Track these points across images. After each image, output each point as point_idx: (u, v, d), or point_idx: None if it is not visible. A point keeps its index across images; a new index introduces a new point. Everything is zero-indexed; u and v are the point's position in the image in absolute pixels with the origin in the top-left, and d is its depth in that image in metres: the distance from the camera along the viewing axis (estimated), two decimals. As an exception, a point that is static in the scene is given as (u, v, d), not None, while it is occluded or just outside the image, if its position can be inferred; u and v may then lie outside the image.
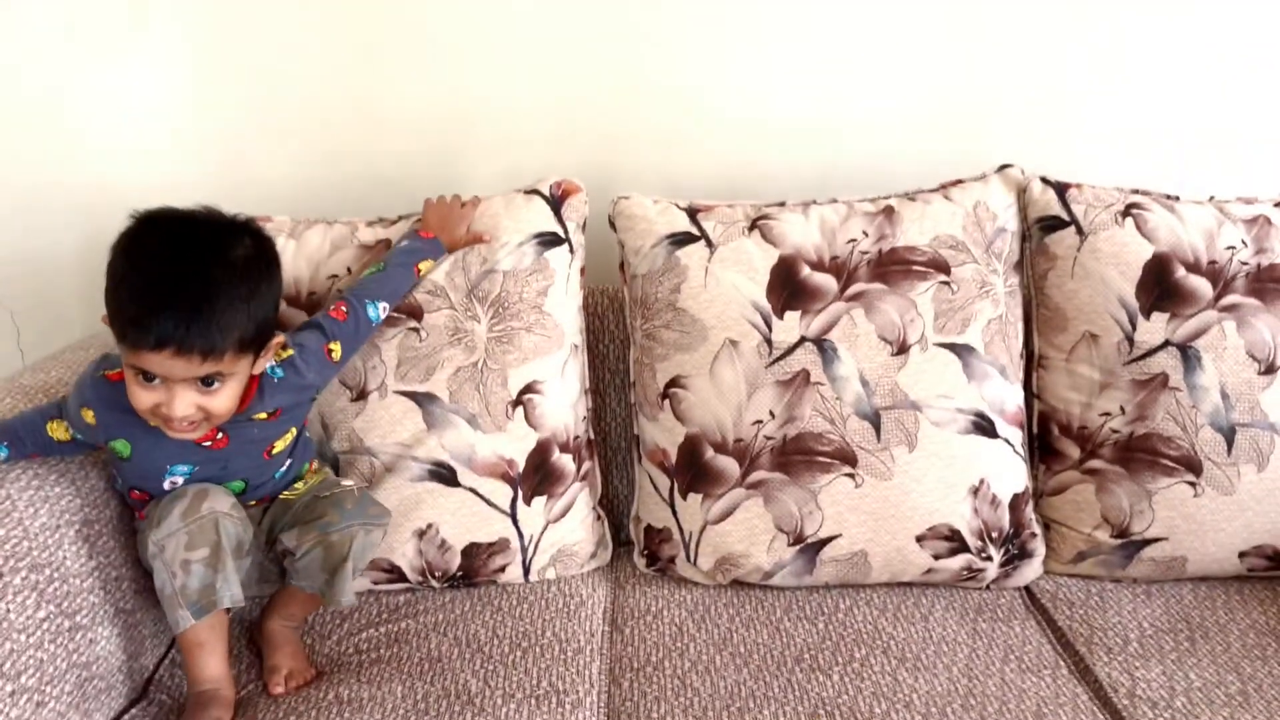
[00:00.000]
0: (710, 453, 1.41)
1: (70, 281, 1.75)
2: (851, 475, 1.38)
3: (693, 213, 1.47)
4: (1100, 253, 1.43)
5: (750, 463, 1.40)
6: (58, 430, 1.22)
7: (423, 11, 1.62)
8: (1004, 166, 1.50)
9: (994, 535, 1.40)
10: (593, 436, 1.54)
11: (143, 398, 1.13)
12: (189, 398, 1.12)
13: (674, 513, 1.45)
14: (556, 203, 1.47)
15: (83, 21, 1.62)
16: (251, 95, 1.67)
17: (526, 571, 1.44)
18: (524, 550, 1.43)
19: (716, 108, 1.67)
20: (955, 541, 1.39)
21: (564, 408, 1.46)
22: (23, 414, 1.25)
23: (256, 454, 1.27)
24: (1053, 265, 1.46)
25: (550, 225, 1.46)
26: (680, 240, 1.44)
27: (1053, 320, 1.47)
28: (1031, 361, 1.50)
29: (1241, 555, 1.41)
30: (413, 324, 1.41)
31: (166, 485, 1.23)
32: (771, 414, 1.39)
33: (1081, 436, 1.45)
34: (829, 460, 1.38)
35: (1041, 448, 1.49)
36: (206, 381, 1.13)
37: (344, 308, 1.33)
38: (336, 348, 1.32)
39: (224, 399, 1.15)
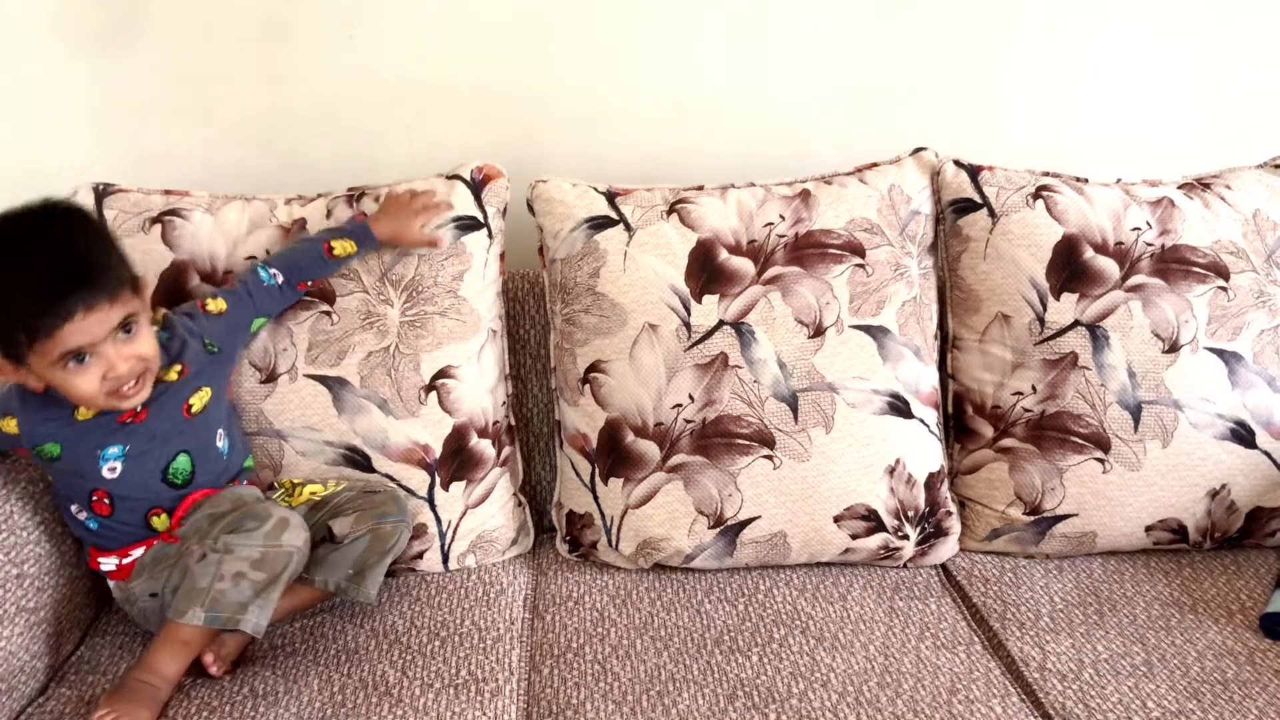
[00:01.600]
0: (630, 437, 1.41)
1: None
2: (770, 457, 1.39)
3: (611, 196, 1.46)
4: (1012, 234, 1.45)
5: (670, 446, 1.40)
6: None
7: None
8: (918, 150, 1.52)
9: (910, 514, 1.42)
10: (513, 423, 1.53)
11: (84, 382, 1.15)
12: (122, 351, 1.16)
13: (595, 498, 1.44)
14: (477, 187, 1.45)
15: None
16: (159, 68, 1.62)
17: (445, 558, 1.43)
18: (442, 536, 1.42)
19: (634, 88, 1.66)
20: (872, 521, 1.41)
21: (481, 393, 1.45)
22: None
23: (176, 411, 1.26)
24: (965, 247, 1.48)
25: (470, 209, 1.44)
26: (599, 224, 1.44)
27: (966, 301, 1.50)
28: (946, 342, 1.52)
29: (1148, 529, 1.45)
30: (325, 307, 1.39)
31: (106, 473, 1.22)
32: (691, 397, 1.39)
33: (995, 416, 1.47)
34: (748, 443, 1.39)
35: (956, 427, 1.52)
36: (125, 329, 1.16)
37: (232, 277, 1.37)
38: (214, 303, 1.32)
39: (146, 339, 1.19)
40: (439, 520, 1.42)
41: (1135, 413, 1.42)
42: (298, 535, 1.21)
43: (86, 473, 1.23)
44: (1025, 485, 1.45)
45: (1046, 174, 1.50)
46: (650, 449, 1.40)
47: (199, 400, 1.28)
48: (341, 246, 1.38)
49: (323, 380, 1.38)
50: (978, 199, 1.47)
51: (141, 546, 1.27)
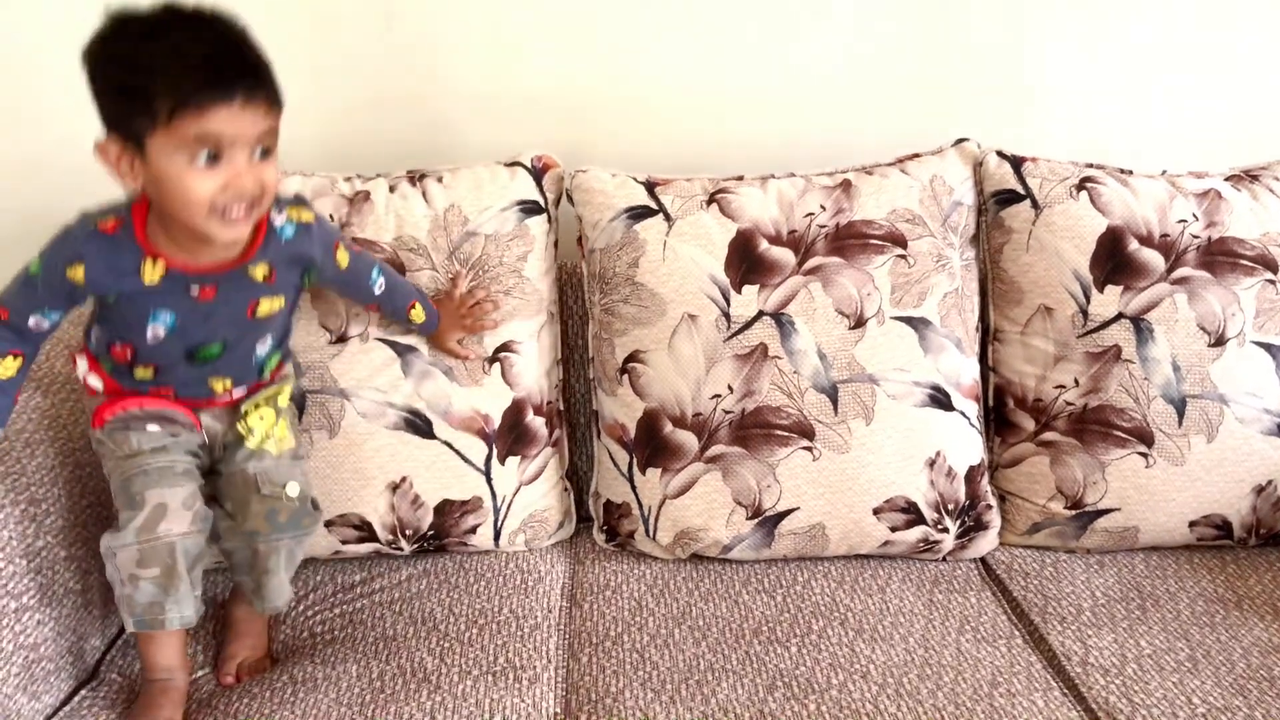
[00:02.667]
0: (669, 427, 1.41)
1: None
2: (809, 448, 1.39)
3: (650, 186, 1.46)
4: (1055, 226, 1.44)
5: (709, 437, 1.39)
6: (6, 370, 1.15)
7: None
8: (960, 140, 1.51)
9: (950, 507, 1.41)
10: (562, 408, 1.54)
11: (204, 184, 1.05)
12: (251, 169, 1.07)
13: (633, 488, 1.44)
14: (538, 174, 1.47)
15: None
16: None
17: (497, 535, 1.44)
18: (496, 511, 1.43)
19: (673, 79, 1.66)
20: (912, 514, 1.40)
21: (538, 372, 1.47)
22: None
23: (240, 310, 1.20)
24: (1008, 239, 1.47)
25: (533, 194, 1.46)
26: (638, 214, 1.43)
27: (1008, 293, 1.48)
28: (987, 335, 1.51)
29: (1191, 525, 1.43)
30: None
31: (149, 336, 1.16)
32: (730, 388, 1.39)
33: (1036, 409, 1.46)
34: (787, 434, 1.38)
35: (997, 420, 1.50)
36: (264, 152, 1.08)
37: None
38: (342, 255, 1.29)
39: (273, 172, 1.10)
40: (494, 495, 1.43)
41: (1180, 407, 1.40)
42: (177, 520, 1.16)
43: (130, 325, 1.17)
44: (1067, 479, 1.44)
45: (1090, 165, 1.48)
46: (689, 439, 1.40)
47: (268, 306, 1.22)
48: (416, 314, 1.38)
49: (392, 345, 1.40)
50: (1021, 190, 1.46)
51: (104, 383, 1.23)
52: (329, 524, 1.40)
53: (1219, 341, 1.40)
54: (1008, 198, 1.47)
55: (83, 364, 1.24)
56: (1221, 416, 1.40)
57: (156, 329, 1.16)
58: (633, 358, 1.43)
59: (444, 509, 1.41)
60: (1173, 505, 1.42)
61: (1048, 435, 1.45)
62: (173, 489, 1.18)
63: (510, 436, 1.43)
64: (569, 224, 1.52)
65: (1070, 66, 1.67)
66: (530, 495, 1.46)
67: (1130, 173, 1.49)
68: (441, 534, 1.42)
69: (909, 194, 1.44)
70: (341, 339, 1.40)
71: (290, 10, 1.59)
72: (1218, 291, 1.41)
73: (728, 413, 1.39)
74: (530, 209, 1.45)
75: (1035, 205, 1.45)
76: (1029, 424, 1.47)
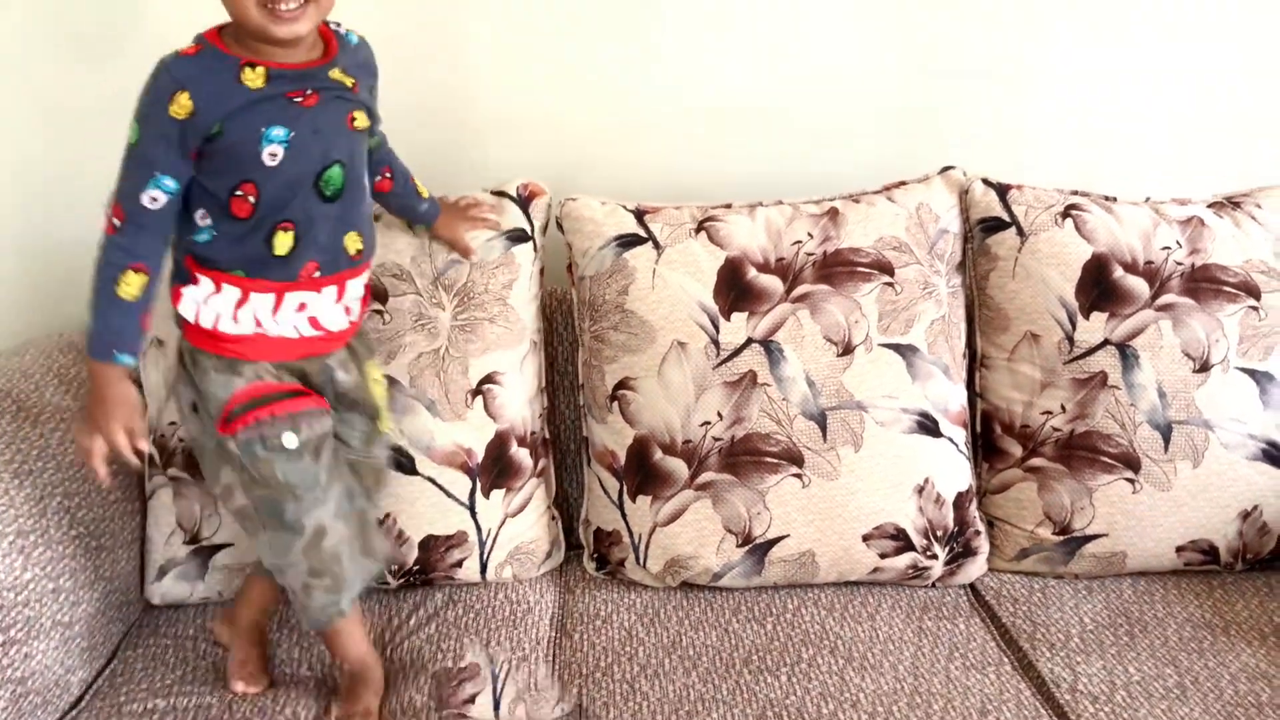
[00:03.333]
0: (659, 454, 1.41)
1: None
2: (799, 475, 1.39)
3: (640, 214, 1.46)
4: (1040, 253, 1.45)
5: (699, 464, 1.40)
6: (130, 287, 1.10)
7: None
8: (946, 168, 1.52)
9: (939, 533, 1.42)
10: (547, 436, 1.53)
11: None
12: None
13: (623, 515, 1.44)
14: (524, 202, 1.47)
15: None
16: None
17: (484, 568, 1.44)
18: (481, 545, 1.43)
19: (662, 107, 1.67)
20: (901, 540, 1.41)
21: (522, 402, 1.46)
22: (100, 307, 1.11)
23: (341, 117, 1.16)
24: (994, 266, 1.48)
25: (519, 222, 1.46)
26: (628, 242, 1.44)
27: (994, 320, 1.49)
28: (974, 361, 1.52)
29: (1179, 550, 1.44)
30: (377, 306, 1.40)
31: (266, 157, 1.11)
32: (719, 415, 1.39)
33: (1024, 435, 1.47)
34: (776, 461, 1.39)
35: (985, 446, 1.51)
36: None
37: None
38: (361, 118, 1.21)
39: None
40: (479, 528, 1.42)
41: (1165, 433, 1.41)
42: (335, 535, 1.21)
43: (244, 155, 1.11)
44: (1054, 505, 1.44)
45: (1075, 193, 1.49)
46: (679, 466, 1.40)
47: (361, 120, 1.18)
48: (421, 189, 1.40)
49: None
50: (1006, 217, 1.47)
51: (240, 287, 1.15)
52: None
53: (1203, 368, 1.41)
54: (993, 225, 1.48)
55: (205, 284, 1.16)
56: (1207, 442, 1.41)
57: (273, 149, 1.11)
58: (623, 385, 1.43)
59: (429, 544, 1.41)
60: (1160, 531, 1.43)
61: (1035, 461, 1.46)
62: (324, 506, 1.21)
63: (494, 470, 1.43)
64: (556, 250, 1.52)
65: (1055, 95, 1.68)
66: (516, 527, 1.46)
67: (1114, 200, 1.50)
68: (427, 568, 1.42)
69: (896, 222, 1.45)
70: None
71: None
72: (1201, 318, 1.42)
73: (717, 440, 1.39)
74: (517, 237, 1.45)
75: (1021, 232, 1.46)
76: (1016, 450, 1.47)
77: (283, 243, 1.14)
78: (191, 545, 1.41)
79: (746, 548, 1.40)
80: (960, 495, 1.44)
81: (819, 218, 1.45)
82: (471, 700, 1.24)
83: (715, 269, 1.42)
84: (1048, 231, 1.45)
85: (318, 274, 1.18)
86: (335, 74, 1.16)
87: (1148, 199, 1.52)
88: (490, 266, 1.43)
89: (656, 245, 1.43)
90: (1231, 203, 1.51)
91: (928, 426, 1.42)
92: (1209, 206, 1.50)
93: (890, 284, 1.42)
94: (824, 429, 1.39)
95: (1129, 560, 1.45)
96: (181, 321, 1.19)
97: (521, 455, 1.45)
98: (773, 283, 1.42)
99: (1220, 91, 1.70)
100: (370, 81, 1.23)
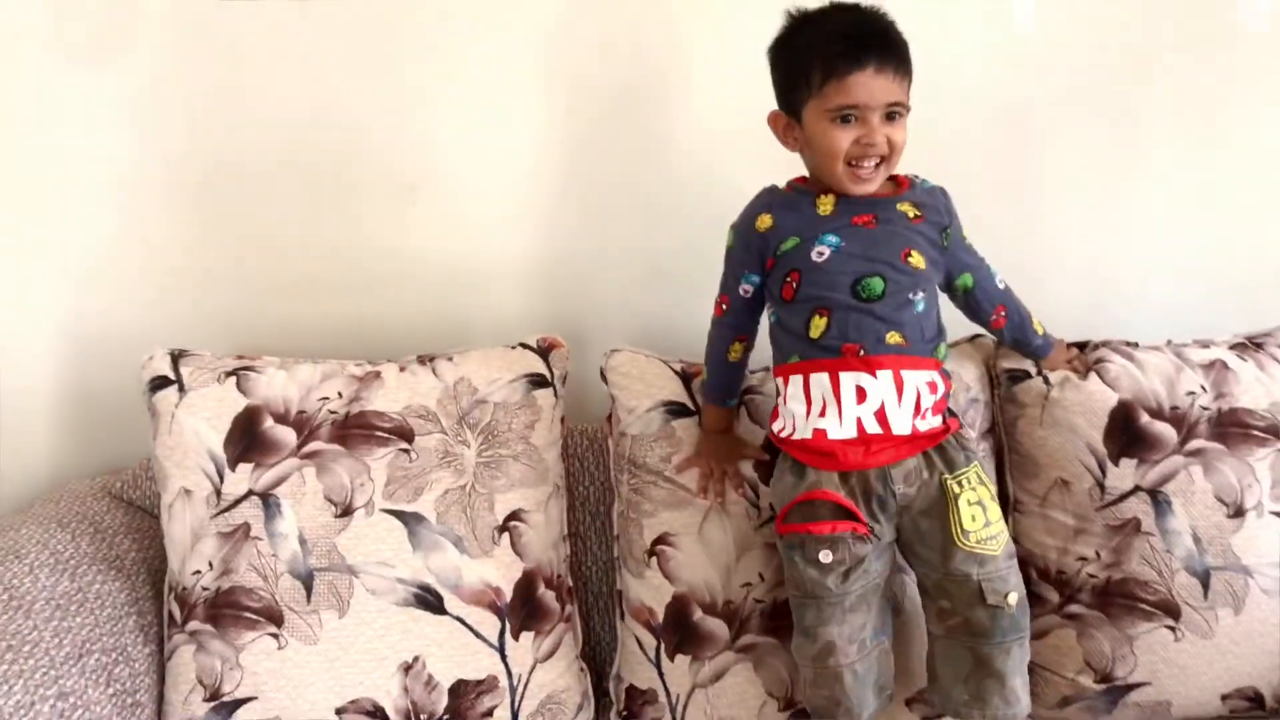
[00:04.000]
0: (699, 613, 1.41)
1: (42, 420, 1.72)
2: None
3: (687, 379, 1.49)
4: (1067, 402, 1.46)
5: (740, 625, 1.39)
6: (734, 352, 1.42)
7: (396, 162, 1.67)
8: (975, 336, 1.55)
9: (981, 687, 1.40)
10: (571, 584, 1.53)
11: (842, 137, 1.27)
12: (881, 128, 1.26)
13: (660, 674, 1.43)
14: (544, 353, 1.51)
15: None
16: (224, 229, 1.68)
17: (515, 716, 1.42)
18: (513, 690, 1.41)
19: (675, 255, 1.71)
20: (944, 696, 1.39)
21: (547, 544, 1.46)
22: (712, 367, 1.44)
23: (897, 248, 1.32)
24: (1021, 413, 1.50)
25: (539, 369, 1.50)
26: (675, 411, 1.47)
27: (1024, 466, 1.50)
28: (1007, 506, 1.53)
29: (1224, 698, 1.43)
30: (403, 445, 1.42)
31: (814, 255, 1.31)
32: (761, 576, 1.39)
33: (1060, 581, 1.46)
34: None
35: (1021, 592, 1.51)
36: (891, 116, 1.27)
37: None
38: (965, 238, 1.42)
39: (902, 133, 1.29)
40: (509, 673, 1.41)
41: (1204, 579, 1.41)
42: (845, 652, 1.29)
43: (800, 255, 1.32)
44: (1094, 652, 1.44)
45: (1098, 345, 1.52)
46: (720, 627, 1.40)
47: (918, 259, 1.32)
48: (1038, 326, 1.49)
49: (399, 515, 1.40)
50: (1031, 369, 1.49)
51: (802, 374, 1.31)
52: (339, 710, 1.37)
53: (1238, 513, 1.42)
54: (1019, 375, 1.50)
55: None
56: (1247, 588, 1.41)
57: (822, 249, 1.31)
58: (661, 540, 1.43)
59: (459, 690, 1.39)
60: (1204, 679, 1.42)
61: (1073, 608, 1.45)
62: (840, 625, 1.28)
63: (523, 611, 1.42)
64: (580, 392, 1.56)
65: (1068, 239, 1.72)
66: (547, 674, 1.44)
67: (1135, 345, 1.52)
68: (457, 716, 1.40)
69: None
70: (346, 512, 1.40)
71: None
72: (1232, 463, 1.43)
73: (759, 601, 1.39)
74: (537, 381, 1.49)
75: (1046, 382, 1.48)
76: (1054, 596, 1.47)
77: (818, 324, 1.31)
78: (212, 702, 1.37)
79: (789, 713, 1.39)
80: (1001, 646, 1.43)
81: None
82: None
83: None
84: (1072, 381, 1.47)
85: (856, 354, 1.30)
86: (902, 205, 1.34)
87: (1169, 342, 1.54)
88: (513, 407, 1.46)
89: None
90: (1253, 343, 1.54)
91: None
92: (1230, 349, 1.53)
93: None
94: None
95: (1174, 709, 1.43)
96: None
97: (549, 597, 1.45)
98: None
99: (1238, 232, 1.74)
100: (941, 221, 1.37)
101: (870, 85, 1.25)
